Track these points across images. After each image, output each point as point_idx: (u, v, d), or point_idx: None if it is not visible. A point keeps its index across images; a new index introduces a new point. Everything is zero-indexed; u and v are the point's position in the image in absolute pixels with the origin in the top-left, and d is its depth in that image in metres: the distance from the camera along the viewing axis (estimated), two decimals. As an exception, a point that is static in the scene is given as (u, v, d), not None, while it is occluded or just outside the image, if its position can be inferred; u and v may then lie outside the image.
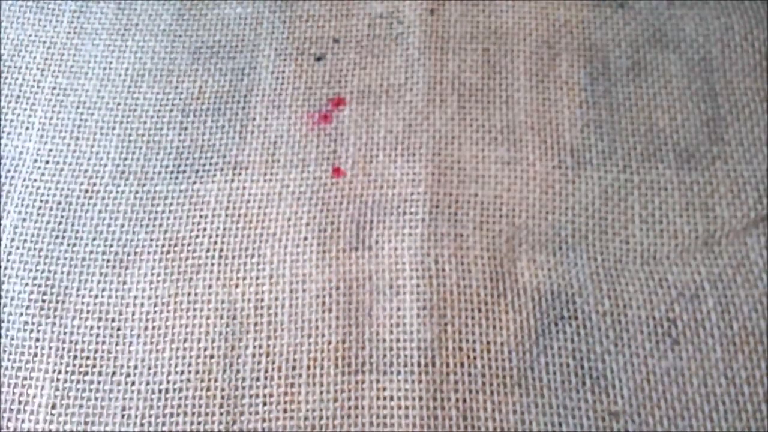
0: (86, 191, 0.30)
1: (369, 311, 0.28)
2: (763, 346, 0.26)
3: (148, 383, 0.26)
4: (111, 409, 0.26)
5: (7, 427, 0.26)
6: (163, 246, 0.29)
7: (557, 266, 0.28)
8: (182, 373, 0.27)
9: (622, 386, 0.26)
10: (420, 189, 0.30)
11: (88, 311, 0.28)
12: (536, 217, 0.29)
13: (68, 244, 0.29)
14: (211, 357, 0.27)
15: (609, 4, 0.34)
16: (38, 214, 0.30)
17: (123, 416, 0.26)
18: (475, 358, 0.27)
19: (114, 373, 0.27)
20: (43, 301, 0.28)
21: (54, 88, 0.32)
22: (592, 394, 0.26)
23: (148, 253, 0.29)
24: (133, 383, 0.27)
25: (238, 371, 0.27)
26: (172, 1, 0.35)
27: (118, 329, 0.27)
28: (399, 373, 0.26)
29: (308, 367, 0.27)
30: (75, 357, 0.27)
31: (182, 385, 0.26)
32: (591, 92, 0.32)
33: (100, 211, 0.30)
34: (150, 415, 0.26)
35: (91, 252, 0.29)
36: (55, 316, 0.28)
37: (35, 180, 0.30)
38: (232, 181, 0.30)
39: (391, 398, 0.26)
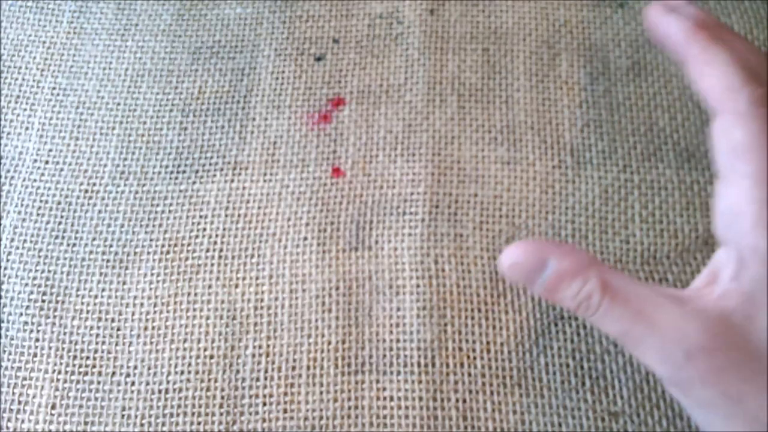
0: (86, 191, 0.30)
1: (369, 311, 0.28)
2: (763, 346, 0.26)
3: (148, 383, 0.26)
4: (111, 409, 0.26)
5: (7, 427, 0.26)
6: (163, 246, 0.29)
7: (557, 266, 0.28)
8: (182, 373, 0.27)
9: (622, 386, 0.26)
10: (420, 189, 0.30)
11: (88, 311, 0.28)
12: (536, 217, 0.29)
13: (68, 244, 0.29)
14: (211, 357, 0.27)
15: (609, 4, 0.34)
16: (38, 214, 0.30)
17: (123, 416, 0.26)
18: (475, 358, 0.27)
19: (114, 373, 0.27)
20: (43, 301, 0.28)
21: (54, 88, 0.33)
22: (591, 394, 0.26)
23: (148, 253, 0.29)
24: (133, 383, 0.27)
25: (238, 371, 0.27)
26: (172, 1, 0.35)
27: (118, 329, 0.27)
28: (399, 373, 0.26)
29: (308, 367, 0.27)
30: (75, 357, 0.27)
31: (182, 385, 0.26)
32: (591, 92, 0.32)
33: (100, 211, 0.30)
34: (150, 415, 0.26)
35: (91, 252, 0.29)
36: (55, 316, 0.28)
37: (35, 180, 0.30)
38: (232, 181, 0.30)
39: (391, 398, 0.26)
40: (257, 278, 0.28)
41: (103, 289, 0.28)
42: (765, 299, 0.21)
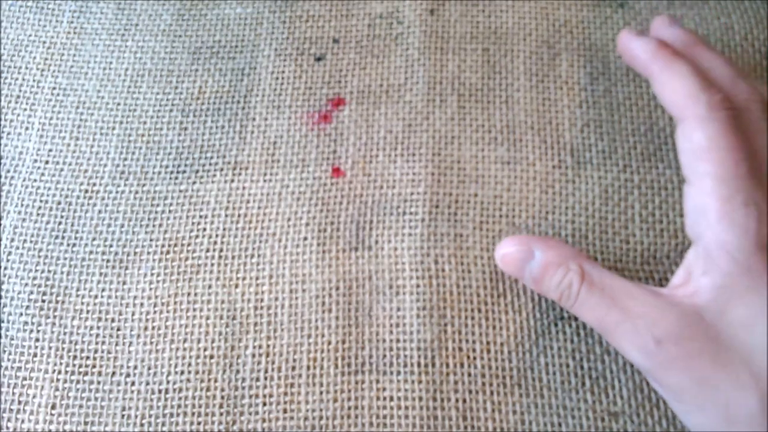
0: (86, 191, 0.30)
1: (369, 311, 0.28)
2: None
3: (148, 383, 0.26)
4: (111, 409, 0.26)
5: (7, 427, 0.26)
6: (163, 246, 0.29)
7: (557, 266, 0.28)
8: (182, 373, 0.27)
9: (622, 386, 0.26)
10: (420, 189, 0.30)
11: (88, 311, 0.28)
12: (536, 217, 0.29)
13: (68, 244, 0.29)
14: (211, 357, 0.27)
15: (609, 4, 0.34)
16: (38, 214, 0.30)
17: (123, 416, 0.26)
18: (475, 358, 0.27)
19: (114, 373, 0.27)
20: (43, 301, 0.28)
21: (54, 88, 0.33)
22: (591, 395, 0.26)
23: (148, 253, 0.29)
24: (133, 383, 0.27)
25: (238, 371, 0.27)
26: (172, 1, 0.35)
27: (118, 329, 0.27)
28: (399, 373, 0.26)
29: (308, 367, 0.27)
30: (75, 357, 0.27)
31: (182, 385, 0.26)
32: (591, 92, 0.32)
33: (100, 211, 0.30)
34: (150, 415, 0.26)
35: (91, 252, 0.29)
36: (55, 316, 0.28)
37: (35, 180, 0.30)
38: (232, 181, 0.30)
39: (391, 398, 0.26)
40: (257, 278, 0.28)
41: (103, 289, 0.28)
42: (735, 292, 0.22)
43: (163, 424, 0.26)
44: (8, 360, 0.27)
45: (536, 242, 0.26)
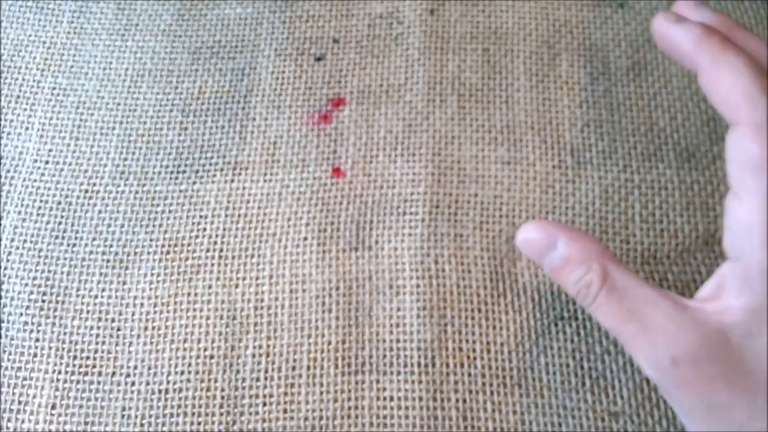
0: (86, 191, 0.30)
1: (369, 311, 0.28)
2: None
3: (148, 383, 0.26)
4: (111, 409, 0.26)
5: (7, 427, 0.26)
6: (163, 246, 0.29)
7: (557, 266, 0.28)
8: (182, 373, 0.27)
9: (622, 386, 0.26)
10: (420, 189, 0.30)
11: (88, 311, 0.28)
12: (536, 217, 0.29)
13: (68, 244, 0.29)
14: (211, 357, 0.27)
15: (609, 4, 0.34)
16: (38, 214, 0.30)
17: (123, 416, 0.26)
18: (475, 358, 0.27)
19: (114, 373, 0.27)
20: (43, 301, 0.28)
21: (54, 88, 0.33)
22: (591, 395, 0.26)
23: (148, 253, 0.29)
24: (133, 383, 0.27)
25: (238, 371, 0.27)
26: (172, 1, 0.35)
27: (118, 329, 0.27)
28: (399, 373, 0.26)
29: (308, 367, 0.27)
30: (75, 357, 0.27)
31: (182, 385, 0.26)
32: (591, 92, 0.32)
33: (100, 211, 0.30)
34: (150, 415, 0.26)
35: (91, 252, 0.29)
36: (55, 316, 0.28)
37: (35, 180, 0.30)
38: (232, 181, 0.30)
39: (391, 398, 0.26)
40: (257, 278, 0.28)
41: (103, 289, 0.28)
42: (767, 318, 0.20)
43: (163, 424, 0.26)
44: (8, 360, 0.27)
45: (561, 232, 0.23)
